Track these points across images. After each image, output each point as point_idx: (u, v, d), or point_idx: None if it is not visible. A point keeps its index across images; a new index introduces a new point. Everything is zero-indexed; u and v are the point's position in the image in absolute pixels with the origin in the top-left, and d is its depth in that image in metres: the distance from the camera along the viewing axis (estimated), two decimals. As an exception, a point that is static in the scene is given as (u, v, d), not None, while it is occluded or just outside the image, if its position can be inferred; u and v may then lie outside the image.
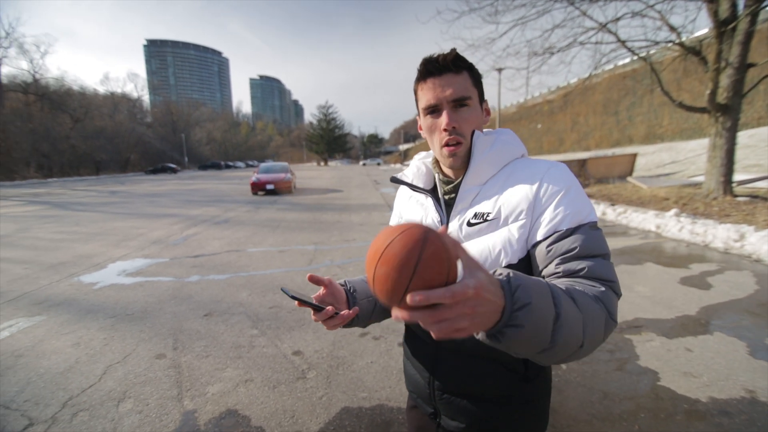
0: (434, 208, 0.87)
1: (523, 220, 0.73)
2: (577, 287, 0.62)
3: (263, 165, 17.57)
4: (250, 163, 74.20)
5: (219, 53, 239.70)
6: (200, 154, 71.70)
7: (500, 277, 0.51)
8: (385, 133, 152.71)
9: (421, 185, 0.91)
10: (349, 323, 0.85)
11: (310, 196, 14.19)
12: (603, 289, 0.64)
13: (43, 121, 37.33)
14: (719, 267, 4.33)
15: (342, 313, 0.77)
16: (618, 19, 8.19)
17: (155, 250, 6.03)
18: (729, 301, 3.39)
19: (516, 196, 0.74)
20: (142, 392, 2.31)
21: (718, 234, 5.18)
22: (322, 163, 76.54)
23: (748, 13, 6.49)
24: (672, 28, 7.95)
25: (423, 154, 0.95)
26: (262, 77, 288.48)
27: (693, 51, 7.96)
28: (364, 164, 66.44)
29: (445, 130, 0.77)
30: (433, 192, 0.90)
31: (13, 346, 2.93)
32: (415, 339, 0.92)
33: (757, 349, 2.58)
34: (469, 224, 0.78)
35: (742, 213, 6.20)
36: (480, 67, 0.82)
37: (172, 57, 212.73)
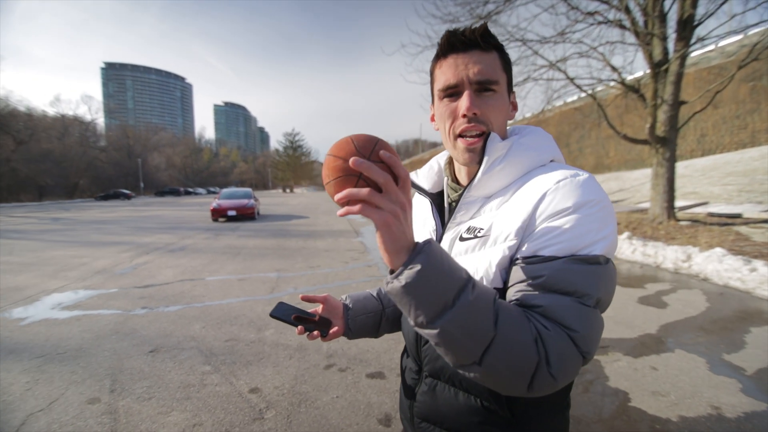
0: (431, 214, 0.77)
1: (513, 241, 0.60)
2: (519, 311, 0.53)
3: (225, 191, 16.96)
4: (212, 189, 71.85)
5: (182, 78, 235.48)
6: (158, 179, 68.49)
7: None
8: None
9: (427, 186, 0.79)
10: (354, 335, 0.88)
11: (274, 223, 13.77)
12: (549, 331, 0.51)
13: (-20, 143, 34.44)
14: (672, 286, 4.55)
15: (331, 331, 0.83)
16: (566, 59, 8.89)
17: (98, 281, 5.49)
18: (684, 318, 3.52)
19: (513, 212, 0.61)
20: (67, 446, 1.98)
21: (668, 255, 5.48)
22: (288, 191, 75.51)
23: (678, 57, 7.25)
24: (613, 68, 8.72)
25: (445, 152, 0.81)
26: (226, 103, 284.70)
27: (633, 89, 8.74)
28: (330, 191, 66.05)
29: (464, 116, 0.64)
30: (439, 196, 0.79)
31: None
32: (405, 357, 0.84)
33: (715, 365, 2.65)
34: (461, 239, 0.67)
35: (686, 236, 6.65)
36: None
37: (131, 81, 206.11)
